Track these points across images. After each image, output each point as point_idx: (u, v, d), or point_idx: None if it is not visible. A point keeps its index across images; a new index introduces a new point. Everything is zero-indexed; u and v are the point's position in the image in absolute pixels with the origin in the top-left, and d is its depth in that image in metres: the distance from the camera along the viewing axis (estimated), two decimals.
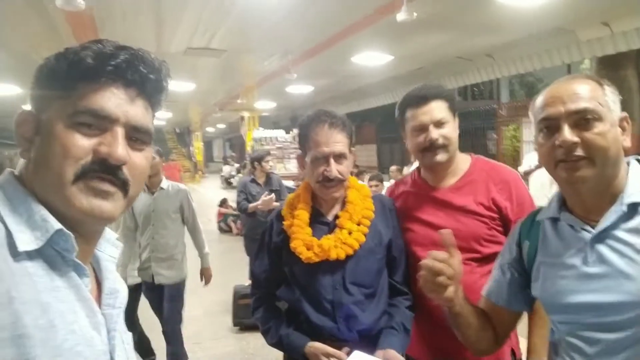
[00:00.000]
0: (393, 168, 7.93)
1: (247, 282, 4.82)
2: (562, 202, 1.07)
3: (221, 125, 25.47)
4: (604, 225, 0.98)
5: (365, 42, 6.79)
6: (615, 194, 0.99)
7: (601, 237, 0.98)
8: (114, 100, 0.69)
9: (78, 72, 0.69)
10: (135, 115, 0.71)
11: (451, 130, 1.55)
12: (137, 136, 0.72)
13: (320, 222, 1.56)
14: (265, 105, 13.73)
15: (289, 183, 6.22)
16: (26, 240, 0.63)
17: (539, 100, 1.03)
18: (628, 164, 1.03)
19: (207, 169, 31.30)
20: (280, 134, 11.56)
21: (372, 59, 7.66)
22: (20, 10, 5.04)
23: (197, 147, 26.32)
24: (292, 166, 10.46)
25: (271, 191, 5.01)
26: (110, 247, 0.81)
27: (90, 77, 0.69)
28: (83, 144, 0.67)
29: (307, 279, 1.53)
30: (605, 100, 0.98)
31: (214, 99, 13.39)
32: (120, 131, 0.70)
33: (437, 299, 1.10)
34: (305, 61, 7.88)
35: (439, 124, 1.53)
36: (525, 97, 9.17)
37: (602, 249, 0.98)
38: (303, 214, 1.55)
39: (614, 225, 0.97)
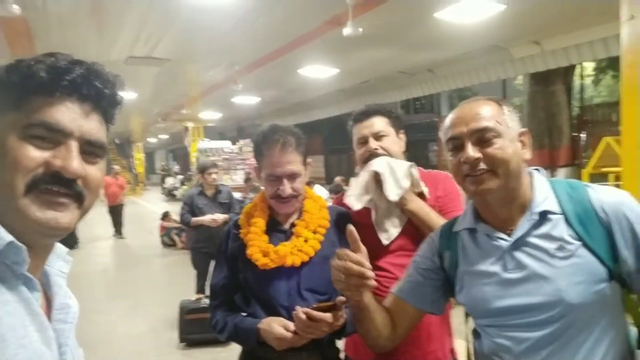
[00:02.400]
0: (338, 179, 8.02)
1: (194, 296, 4.70)
2: (477, 214, 1.16)
3: (164, 136, 24.86)
4: (519, 233, 1.07)
5: (311, 55, 6.88)
6: (523, 204, 1.09)
7: (517, 244, 1.07)
8: (69, 115, 0.69)
9: (31, 85, 0.68)
10: (89, 130, 0.71)
11: (391, 142, 1.69)
12: (91, 150, 0.72)
13: (277, 230, 1.58)
14: (211, 115, 13.55)
15: (236, 195, 6.14)
16: None
17: (447, 121, 1.13)
18: (530, 175, 1.13)
19: (148, 181, 30.37)
20: (226, 144, 11.42)
21: (318, 71, 7.77)
22: None
23: (138, 158, 25.50)
24: (239, 177, 10.35)
25: (220, 204, 4.93)
26: (60, 262, 0.80)
27: (44, 91, 0.68)
28: (35, 155, 0.67)
29: (263, 286, 1.54)
30: (503, 118, 1.08)
31: (157, 108, 13.07)
32: (74, 145, 0.69)
33: (349, 296, 1.16)
34: (251, 72, 7.87)
35: (377, 136, 1.68)
36: None
37: (520, 255, 1.06)
38: (260, 222, 1.57)
39: (528, 233, 1.06)
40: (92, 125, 0.72)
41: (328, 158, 19.16)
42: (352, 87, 9.44)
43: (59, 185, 0.68)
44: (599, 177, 5.01)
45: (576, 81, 7.79)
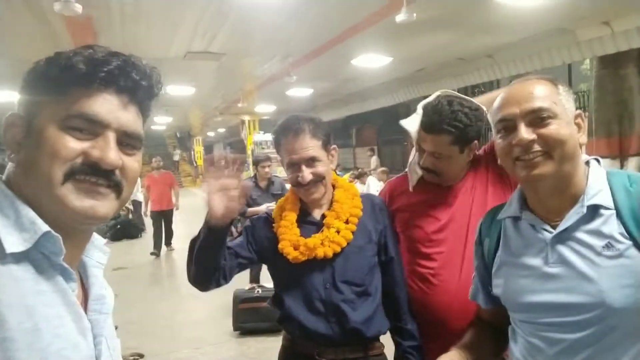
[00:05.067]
0: (378, 170, 8.15)
1: (248, 286, 4.80)
2: (524, 201, 1.09)
3: (221, 129, 25.53)
4: (564, 226, 1.00)
5: (365, 44, 6.79)
6: (575, 195, 1.01)
7: (562, 237, 1.00)
8: (107, 106, 0.70)
9: (70, 77, 0.69)
10: (127, 121, 0.73)
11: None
12: (128, 141, 0.73)
13: (308, 223, 1.57)
14: (266, 108, 13.73)
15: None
16: (13, 242, 0.63)
17: (496, 102, 1.06)
18: (588, 164, 1.04)
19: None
20: None
21: (372, 61, 7.66)
22: (19, 16, 5.04)
23: (198, 151, 26.33)
24: None
25: (273, 195, 4.98)
26: (97, 252, 0.81)
27: (82, 82, 0.69)
28: (74, 146, 0.68)
29: (297, 280, 1.52)
30: (559, 99, 1.01)
31: (214, 103, 13.39)
32: (112, 136, 0.70)
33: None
34: (305, 64, 7.88)
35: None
36: None
37: (563, 249, 0.99)
38: (291, 215, 1.56)
39: (575, 227, 0.99)
40: (129, 117, 0.73)
41: (382, 149, 18.98)
42: (407, 75, 9.23)
43: (96, 176, 0.69)
44: None
45: None
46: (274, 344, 4.26)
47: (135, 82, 0.73)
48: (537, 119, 0.99)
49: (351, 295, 1.49)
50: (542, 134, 0.98)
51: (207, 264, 1.44)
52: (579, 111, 1.04)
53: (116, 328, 0.85)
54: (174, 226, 8.63)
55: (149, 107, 0.79)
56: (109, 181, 0.70)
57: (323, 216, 1.56)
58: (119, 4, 4.92)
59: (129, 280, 6.69)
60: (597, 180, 1.01)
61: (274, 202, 5.08)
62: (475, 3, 5.09)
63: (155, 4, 5.03)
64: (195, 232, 1.43)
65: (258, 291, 4.47)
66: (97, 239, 0.80)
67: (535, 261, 1.03)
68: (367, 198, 1.64)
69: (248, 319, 4.43)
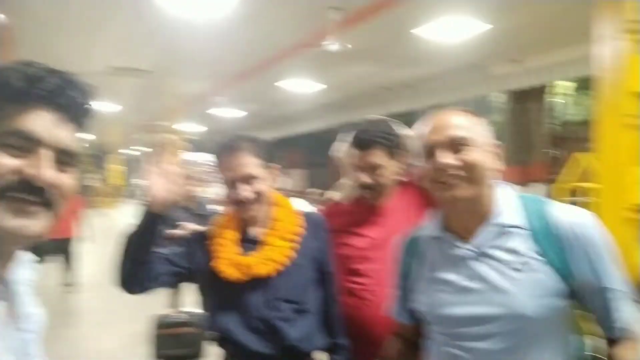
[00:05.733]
0: (311, 190, 8.17)
1: (169, 310, 4.60)
2: (443, 221, 1.18)
3: (146, 149, 24.62)
4: (480, 243, 1.09)
5: (292, 70, 6.93)
6: (487, 215, 1.11)
7: (479, 255, 1.09)
8: (43, 124, 0.70)
9: (6, 94, 0.69)
10: (63, 139, 0.72)
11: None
12: (64, 159, 0.72)
13: (247, 241, 1.54)
14: (195, 128, 13.47)
15: (219, 207, 6.06)
16: None
17: (422, 129, 1.16)
18: (498, 188, 1.14)
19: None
20: (208, 157, 11.30)
21: (300, 85, 7.80)
22: None
23: (115, 170, 25.14)
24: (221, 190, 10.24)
25: (199, 216, 4.83)
26: (26, 270, 0.78)
27: (19, 99, 0.69)
28: (8, 163, 0.67)
29: (235, 299, 1.50)
30: (477, 129, 1.11)
31: (140, 120, 12.95)
32: (47, 154, 0.69)
33: None
34: (234, 85, 7.86)
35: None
36: None
37: (480, 266, 1.08)
38: (229, 233, 1.53)
39: (491, 244, 1.08)
40: (65, 134, 0.72)
41: (312, 171, 19.17)
42: (335, 101, 9.49)
43: (29, 194, 0.68)
44: (578, 193, 5.11)
45: (555, 99, 7.96)
46: None
47: (73, 101, 0.73)
48: (458, 145, 1.08)
49: (290, 314, 1.49)
50: (461, 159, 1.07)
51: (139, 256, 1.38)
52: (495, 142, 1.14)
53: None
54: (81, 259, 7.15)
55: (86, 125, 0.78)
56: (41, 198, 0.69)
57: (263, 234, 1.55)
58: (40, 13, 4.69)
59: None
60: (508, 201, 1.11)
61: (198, 224, 4.90)
62: (398, 37, 5.38)
63: (79, 15, 4.85)
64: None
65: (184, 315, 4.30)
66: (24, 256, 0.78)
67: (454, 276, 1.11)
68: (307, 216, 1.64)
69: (169, 345, 4.24)
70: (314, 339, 1.54)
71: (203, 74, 7.39)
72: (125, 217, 18.21)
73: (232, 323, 1.48)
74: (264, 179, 1.52)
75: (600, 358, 1.10)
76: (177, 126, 12.98)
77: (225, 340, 1.51)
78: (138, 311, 5.13)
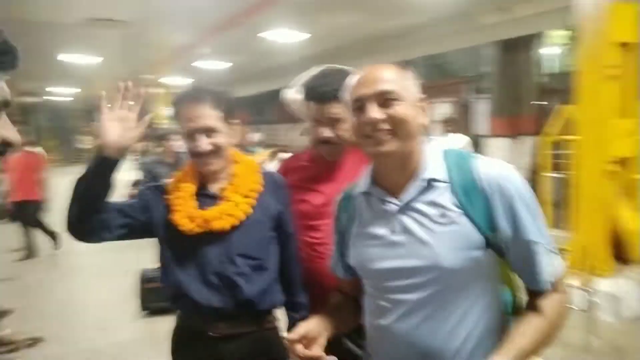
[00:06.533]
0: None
1: (156, 265, 4.66)
2: (373, 177, 1.18)
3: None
4: (406, 198, 1.10)
5: (276, 18, 6.73)
6: (415, 170, 1.11)
7: (405, 209, 1.10)
8: None
9: None
10: None
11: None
12: None
13: (205, 196, 1.53)
14: (179, 81, 13.21)
15: None
16: None
17: (351, 83, 1.14)
18: (425, 143, 1.14)
19: None
20: None
21: (285, 36, 7.63)
22: None
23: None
24: None
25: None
26: None
27: None
28: None
29: (191, 254, 1.50)
30: (406, 83, 1.10)
31: (122, 74, 12.66)
32: None
33: None
34: (216, 36, 7.65)
35: None
36: (437, 78, 9.58)
37: (406, 219, 1.10)
38: (188, 187, 1.52)
39: (415, 199, 1.10)
40: None
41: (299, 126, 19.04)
42: (323, 52, 9.27)
43: None
44: (561, 146, 5.10)
45: (548, 49, 7.81)
46: None
47: None
48: (386, 100, 1.07)
49: (246, 269, 1.49)
50: (389, 114, 1.06)
51: (90, 203, 1.37)
52: (423, 95, 1.13)
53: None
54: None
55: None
56: None
57: (222, 190, 1.54)
58: None
59: (26, 263, 6.27)
60: (433, 156, 1.12)
61: None
62: None
63: None
64: None
65: None
66: None
67: (383, 231, 1.12)
68: (268, 175, 1.64)
69: (155, 299, 4.32)
70: (271, 296, 1.55)
71: (186, 25, 7.18)
72: (122, 172, 18.18)
73: (186, 277, 1.49)
74: (223, 132, 1.50)
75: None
76: (162, 79, 12.75)
77: (179, 297, 1.51)
78: (129, 262, 5.21)
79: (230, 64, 10.70)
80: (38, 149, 7.35)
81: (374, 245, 1.14)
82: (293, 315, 1.64)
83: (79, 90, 16.47)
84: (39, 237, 6.62)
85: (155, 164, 4.79)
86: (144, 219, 1.51)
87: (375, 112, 1.06)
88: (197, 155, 1.48)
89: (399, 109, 1.06)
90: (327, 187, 1.63)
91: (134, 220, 1.49)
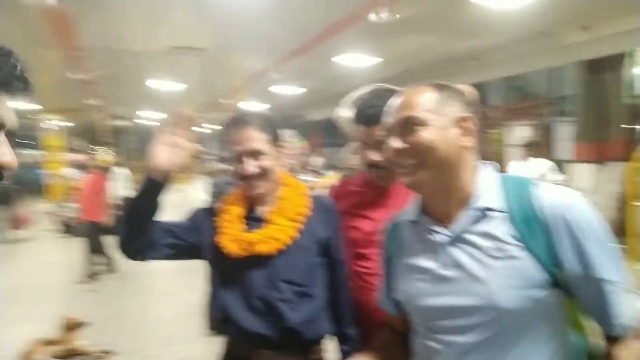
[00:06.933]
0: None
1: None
2: (421, 205, 1.09)
3: (215, 126, 25.44)
4: (456, 228, 1.00)
5: (348, 43, 6.77)
6: (464, 198, 1.01)
7: (455, 240, 1.00)
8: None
9: None
10: (13, 118, 0.72)
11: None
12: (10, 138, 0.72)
13: (252, 219, 1.53)
14: (254, 106, 13.67)
15: None
16: None
17: (391, 107, 1.09)
18: (476, 167, 1.04)
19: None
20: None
21: (356, 60, 7.65)
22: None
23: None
24: (282, 168, 10.36)
25: None
26: None
27: None
28: None
29: (236, 277, 1.49)
30: (436, 106, 1.00)
31: (202, 99, 13.33)
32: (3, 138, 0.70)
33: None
34: (290, 61, 7.84)
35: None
36: (516, 101, 9.17)
37: (456, 252, 0.99)
38: (234, 209, 1.53)
39: (467, 229, 0.99)
40: (12, 113, 0.71)
41: None
42: (394, 76, 9.20)
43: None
44: None
45: (636, 69, 7.23)
46: None
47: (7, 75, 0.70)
48: (410, 126, 0.99)
49: (290, 295, 1.46)
50: (411, 142, 0.99)
51: (138, 224, 1.40)
52: (464, 114, 1.02)
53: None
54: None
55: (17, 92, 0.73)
56: None
57: (268, 213, 1.53)
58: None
59: (107, 278, 6.63)
60: (486, 182, 1.02)
61: None
62: (455, 5, 5.07)
63: None
64: None
65: None
66: None
67: (432, 264, 1.03)
68: (317, 198, 1.61)
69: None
70: (317, 325, 1.50)
71: (262, 51, 7.42)
72: (197, 192, 19.14)
73: (232, 301, 1.47)
74: (270, 155, 1.49)
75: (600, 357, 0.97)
76: (239, 104, 13.26)
77: (225, 322, 1.50)
78: (198, 281, 5.34)
79: (304, 89, 10.91)
80: (124, 170, 7.87)
81: (421, 279, 1.05)
82: (342, 347, 1.57)
83: (164, 115, 17.55)
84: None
85: (226, 185, 4.92)
86: (192, 240, 1.52)
87: (395, 141, 1.01)
88: (244, 178, 1.48)
89: (423, 135, 0.98)
90: (378, 213, 1.56)
91: (181, 241, 1.51)
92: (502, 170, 1.06)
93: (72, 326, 3.81)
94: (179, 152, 1.38)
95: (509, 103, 8.94)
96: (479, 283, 0.96)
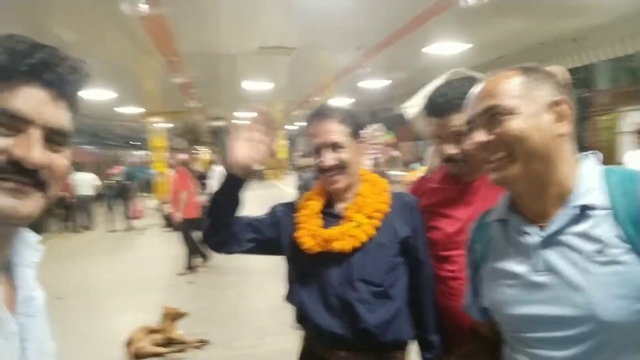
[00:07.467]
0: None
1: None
2: (511, 203, 0.98)
3: (302, 123, 25.93)
4: (552, 229, 0.88)
5: (438, 31, 6.56)
6: (562, 194, 0.88)
7: (550, 241, 0.88)
8: (30, 101, 0.66)
9: None
10: (53, 118, 0.68)
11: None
12: (55, 138, 0.69)
13: (330, 215, 1.51)
14: (342, 101, 13.73)
15: None
16: None
17: (472, 96, 0.99)
18: (577, 159, 0.92)
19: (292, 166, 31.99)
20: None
21: (447, 48, 7.39)
22: (103, 19, 5.43)
23: (280, 144, 26.97)
24: (370, 162, 10.30)
25: None
26: (29, 251, 0.77)
27: (3, 76, 0.65)
28: None
29: (312, 273, 1.47)
30: (524, 91, 0.89)
31: (291, 97, 13.62)
32: (36, 133, 0.66)
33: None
34: (377, 54, 7.75)
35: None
36: (627, 84, 8.27)
37: (551, 255, 0.88)
38: (314, 205, 1.52)
39: (564, 229, 0.87)
40: (55, 113, 0.69)
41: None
42: (487, 63, 8.74)
43: (20, 175, 0.65)
44: None
45: None
46: None
47: (60, 76, 0.69)
48: (490, 118, 0.90)
49: (367, 296, 1.41)
50: (498, 133, 0.89)
51: (219, 217, 1.44)
52: (558, 97, 0.90)
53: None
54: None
55: (77, 100, 0.74)
56: (33, 180, 0.66)
57: (346, 209, 1.50)
58: (190, 3, 5.13)
59: (204, 270, 6.97)
60: (588, 176, 0.89)
61: None
62: None
63: (229, 2, 5.18)
64: None
65: None
66: (29, 237, 0.77)
67: (522, 268, 0.92)
68: (398, 195, 1.55)
69: None
70: (395, 328, 1.43)
71: (349, 47, 7.42)
72: (288, 187, 19.64)
73: (309, 298, 1.47)
74: (349, 148, 1.47)
75: None
76: (328, 101, 13.38)
77: (302, 318, 1.49)
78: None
79: (388, 82, 10.76)
80: (219, 168, 8.28)
81: (510, 285, 0.94)
82: (425, 355, 1.51)
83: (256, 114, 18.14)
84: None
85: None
86: (272, 235, 1.54)
87: (479, 134, 0.91)
88: (323, 170, 1.47)
89: (511, 125, 0.88)
90: (462, 212, 1.44)
91: (262, 235, 1.53)
92: (616, 161, 0.92)
93: (173, 316, 4.07)
94: (258, 148, 1.40)
95: (619, 86, 8.14)
96: (577, 291, 0.84)
